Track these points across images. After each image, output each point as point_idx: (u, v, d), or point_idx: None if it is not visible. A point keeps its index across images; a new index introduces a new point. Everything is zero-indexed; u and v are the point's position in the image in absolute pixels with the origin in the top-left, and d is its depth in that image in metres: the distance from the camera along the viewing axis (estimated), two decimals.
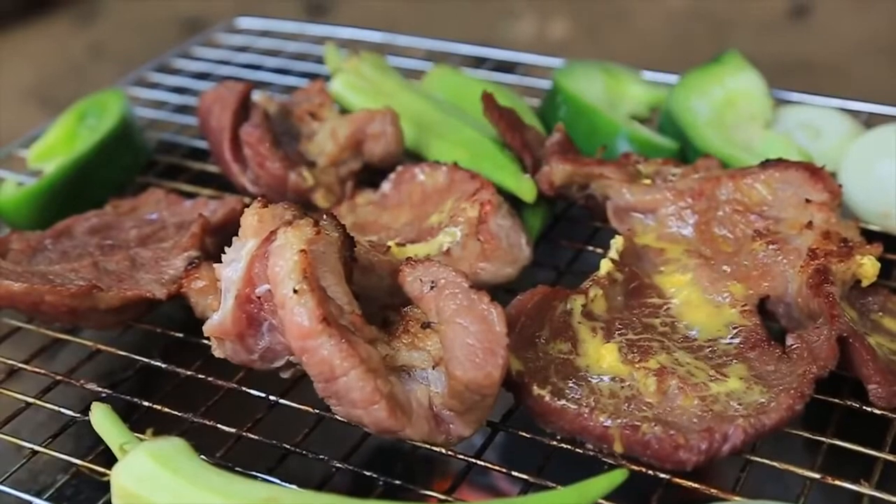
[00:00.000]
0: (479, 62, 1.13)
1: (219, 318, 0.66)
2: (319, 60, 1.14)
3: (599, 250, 0.82)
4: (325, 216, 0.65)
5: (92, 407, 0.64)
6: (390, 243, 0.76)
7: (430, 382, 0.63)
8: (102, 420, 0.63)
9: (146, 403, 0.71)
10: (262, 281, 0.63)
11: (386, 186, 0.84)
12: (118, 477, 0.58)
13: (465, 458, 0.65)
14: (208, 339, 0.67)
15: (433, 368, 0.62)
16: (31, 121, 1.96)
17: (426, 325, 0.63)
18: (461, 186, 0.79)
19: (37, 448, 0.69)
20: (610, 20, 2.19)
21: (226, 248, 0.67)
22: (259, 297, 0.63)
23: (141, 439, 0.62)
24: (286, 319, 0.59)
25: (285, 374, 0.68)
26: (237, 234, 0.66)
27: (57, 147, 0.98)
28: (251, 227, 0.65)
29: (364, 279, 0.67)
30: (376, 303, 0.67)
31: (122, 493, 0.58)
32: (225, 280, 0.66)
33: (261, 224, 0.65)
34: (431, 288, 0.63)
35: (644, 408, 0.64)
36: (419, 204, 0.81)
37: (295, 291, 0.59)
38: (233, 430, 0.68)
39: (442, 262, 0.70)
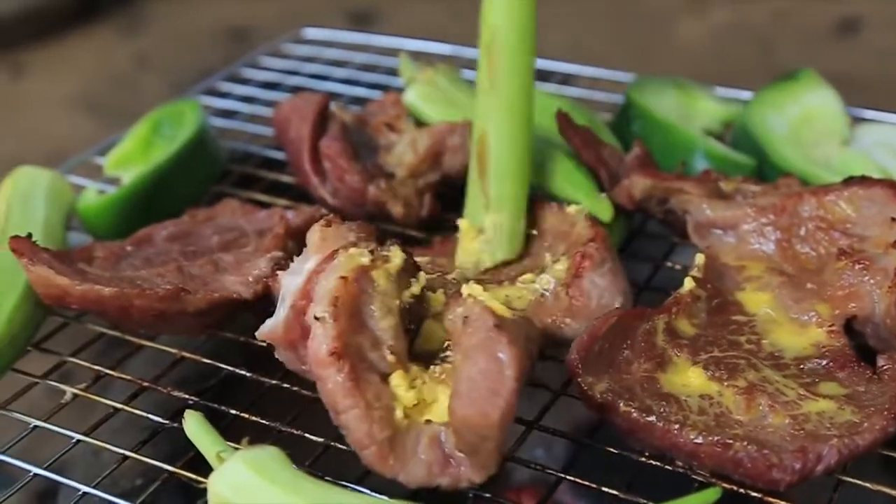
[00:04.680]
0: (546, 76, 1.13)
1: (271, 324, 0.66)
2: (388, 71, 1.15)
3: (678, 266, 0.83)
4: (390, 242, 0.65)
5: (186, 415, 0.65)
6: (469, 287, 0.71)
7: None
8: (197, 428, 0.64)
9: (233, 412, 0.71)
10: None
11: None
12: (215, 485, 0.59)
13: (554, 472, 0.66)
14: None
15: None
16: (79, 129, 1.99)
17: (448, 361, 0.63)
18: (581, 232, 0.76)
19: (127, 453, 0.70)
20: (651, 33, 2.19)
21: (295, 257, 0.68)
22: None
23: (235, 448, 0.62)
24: (308, 342, 0.60)
25: None
26: None
27: (132, 155, 0.99)
28: (314, 244, 0.66)
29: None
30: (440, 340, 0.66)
31: (219, 502, 0.59)
32: (284, 288, 0.67)
33: (323, 242, 0.66)
34: (463, 322, 0.61)
35: (734, 426, 0.64)
36: (541, 241, 0.80)
37: (317, 318, 0.59)
38: (321, 439, 0.69)
39: (529, 308, 0.70)
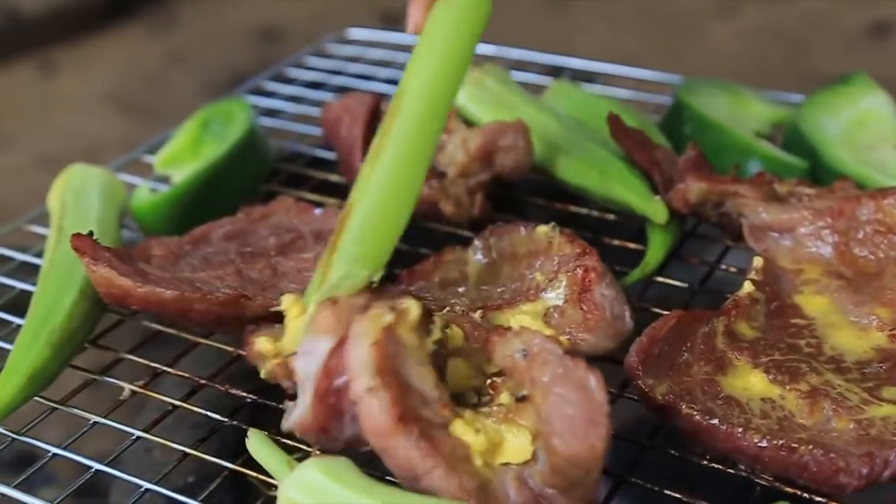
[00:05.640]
0: (590, 77, 1.13)
1: (299, 415, 0.63)
2: None
3: (733, 269, 0.82)
4: (403, 295, 0.62)
5: (249, 434, 0.65)
6: (477, 313, 0.70)
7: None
8: (261, 446, 0.64)
9: None
10: (341, 372, 0.60)
11: (478, 246, 0.78)
12: (287, 489, 0.59)
13: (615, 474, 0.66)
14: None
15: (531, 444, 0.59)
16: (112, 127, 2.01)
17: (521, 399, 0.60)
18: (561, 249, 0.74)
19: (188, 450, 0.70)
20: (682, 36, 2.19)
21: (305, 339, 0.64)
22: (338, 389, 0.61)
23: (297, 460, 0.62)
24: (361, 416, 0.58)
25: None
26: None
27: (182, 154, 0.99)
28: (326, 325, 0.62)
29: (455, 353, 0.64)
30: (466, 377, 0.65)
31: None
32: (301, 373, 0.64)
33: (337, 322, 0.62)
34: (523, 356, 0.60)
35: (798, 430, 0.64)
36: (512, 263, 0.77)
37: (369, 390, 0.57)
38: None
39: (541, 328, 0.68)
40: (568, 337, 0.69)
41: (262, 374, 0.68)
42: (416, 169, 0.69)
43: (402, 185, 0.69)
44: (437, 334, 0.63)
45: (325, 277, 0.68)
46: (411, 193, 0.69)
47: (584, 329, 0.69)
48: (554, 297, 0.71)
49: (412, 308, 0.61)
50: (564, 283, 0.71)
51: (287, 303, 0.69)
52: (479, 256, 0.78)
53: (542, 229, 0.75)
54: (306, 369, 0.62)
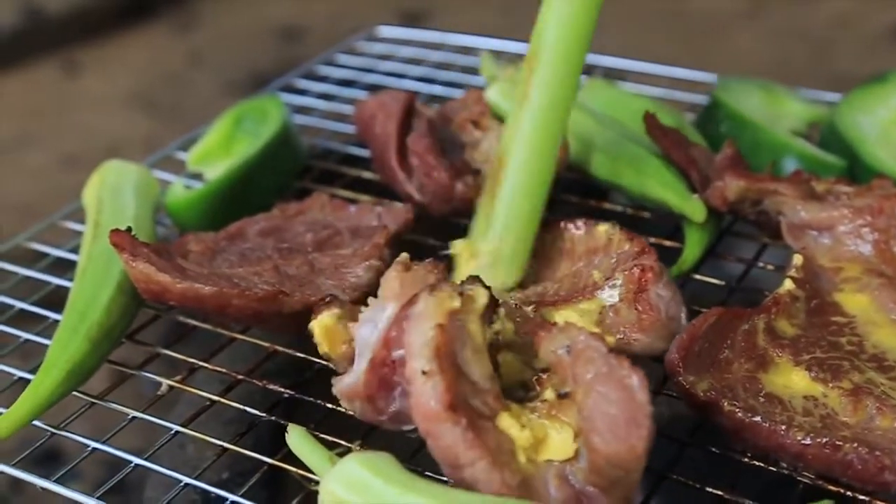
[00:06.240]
0: (621, 75, 1.13)
1: (352, 380, 0.64)
2: (464, 70, 1.16)
3: (770, 267, 0.82)
4: (470, 280, 0.62)
5: (289, 429, 0.65)
6: (530, 308, 0.70)
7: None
8: (301, 441, 0.64)
9: (329, 405, 0.71)
10: (399, 345, 0.61)
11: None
12: (329, 484, 0.59)
13: (656, 471, 0.65)
14: None
15: (573, 441, 0.59)
16: (135, 126, 2.01)
17: (563, 395, 0.60)
18: (620, 247, 0.74)
19: (226, 445, 0.70)
20: (708, 36, 2.18)
21: (362, 308, 0.66)
22: (394, 361, 0.61)
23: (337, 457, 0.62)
24: (413, 397, 0.57)
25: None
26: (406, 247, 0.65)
27: (215, 151, 1.00)
28: (392, 290, 0.63)
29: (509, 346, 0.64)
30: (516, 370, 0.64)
31: (332, 500, 0.59)
32: (360, 341, 0.64)
33: (402, 289, 0.63)
34: (567, 352, 0.59)
35: (841, 427, 0.64)
36: (570, 260, 0.77)
37: (424, 372, 0.57)
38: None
39: (594, 326, 0.68)
40: (620, 336, 0.69)
41: (322, 350, 0.68)
42: (560, 113, 0.74)
43: (549, 132, 0.74)
44: (498, 325, 0.63)
45: (489, 222, 0.73)
46: (556, 141, 0.74)
47: (639, 329, 0.69)
48: (610, 296, 0.70)
49: (480, 295, 0.61)
50: (621, 281, 0.70)
51: (458, 247, 0.74)
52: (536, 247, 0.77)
53: (603, 227, 0.75)
54: (366, 338, 0.63)
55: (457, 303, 0.59)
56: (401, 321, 0.60)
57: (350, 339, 0.66)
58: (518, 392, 0.63)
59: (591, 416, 0.57)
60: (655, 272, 0.69)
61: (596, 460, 0.56)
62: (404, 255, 0.66)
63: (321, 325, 0.67)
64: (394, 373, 0.61)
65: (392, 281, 0.63)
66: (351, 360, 0.65)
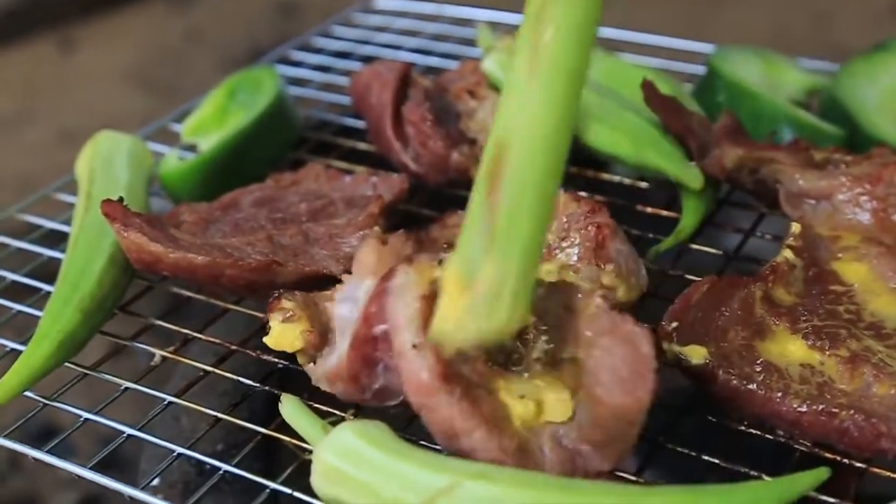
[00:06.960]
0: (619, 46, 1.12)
1: (333, 362, 0.63)
2: (461, 42, 1.15)
3: (768, 236, 0.81)
4: (447, 248, 0.61)
5: (282, 398, 0.64)
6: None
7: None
8: (294, 411, 0.63)
9: None
10: (381, 321, 0.59)
11: None
12: (322, 453, 0.59)
13: (652, 439, 0.65)
14: None
15: (570, 399, 0.58)
16: (131, 103, 2.00)
17: (559, 354, 0.60)
18: (568, 208, 0.73)
19: (220, 415, 0.70)
20: (705, 7, 2.17)
21: (339, 287, 0.64)
22: (376, 338, 0.60)
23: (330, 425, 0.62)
24: (404, 372, 0.56)
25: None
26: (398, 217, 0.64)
27: (209, 122, 0.99)
28: (369, 265, 0.62)
29: None
30: None
31: (325, 469, 0.59)
32: (339, 320, 0.63)
33: (379, 262, 0.62)
34: (566, 311, 0.59)
35: (838, 395, 0.63)
36: None
37: (414, 346, 0.55)
38: None
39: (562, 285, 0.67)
40: None
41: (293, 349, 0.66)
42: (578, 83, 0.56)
43: (566, 107, 0.55)
44: None
45: (484, 238, 0.56)
46: (571, 119, 0.56)
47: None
48: (567, 255, 0.70)
49: None
50: (578, 240, 0.70)
51: (447, 274, 0.58)
52: None
53: None
54: (346, 316, 0.62)
55: (437, 272, 0.58)
56: (380, 296, 0.59)
57: (307, 326, 0.65)
58: (499, 357, 0.61)
59: (595, 370, 0.57)
60: (611, 228, 0.70)
61: (600, 412, 0.56)
62: (376, 230, 0.65)
63: (274, 335, 0.66)
64: (376, 349, 0.60)
65: (368, 255, 0.62)
66: (315, 346, 0.64)
